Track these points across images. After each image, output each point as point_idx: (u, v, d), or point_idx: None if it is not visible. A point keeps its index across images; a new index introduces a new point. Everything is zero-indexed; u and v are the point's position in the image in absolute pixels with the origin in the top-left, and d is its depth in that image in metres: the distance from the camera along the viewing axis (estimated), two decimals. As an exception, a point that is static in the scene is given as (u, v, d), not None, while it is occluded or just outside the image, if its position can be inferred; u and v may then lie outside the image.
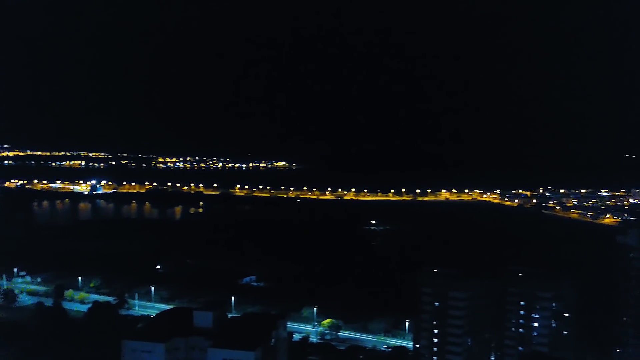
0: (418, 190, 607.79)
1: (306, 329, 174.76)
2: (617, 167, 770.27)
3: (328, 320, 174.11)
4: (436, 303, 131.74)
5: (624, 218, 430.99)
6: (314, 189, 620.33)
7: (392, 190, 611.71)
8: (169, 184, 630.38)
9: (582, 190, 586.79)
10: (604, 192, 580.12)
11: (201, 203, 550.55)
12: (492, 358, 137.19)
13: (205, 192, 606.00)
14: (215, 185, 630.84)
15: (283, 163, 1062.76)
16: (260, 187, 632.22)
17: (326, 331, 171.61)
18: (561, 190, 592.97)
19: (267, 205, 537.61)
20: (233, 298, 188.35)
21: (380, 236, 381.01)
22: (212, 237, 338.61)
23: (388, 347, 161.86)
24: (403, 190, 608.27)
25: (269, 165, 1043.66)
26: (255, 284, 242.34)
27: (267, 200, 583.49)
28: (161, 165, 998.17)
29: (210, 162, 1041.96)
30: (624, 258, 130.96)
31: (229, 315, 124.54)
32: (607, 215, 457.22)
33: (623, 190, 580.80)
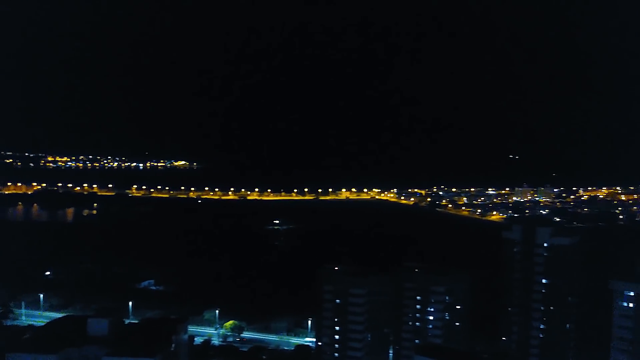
0: (320, 190, 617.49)
1: (208, 332, 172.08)
2: (502, 168, 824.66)
3: (230, 322, 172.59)
4: (337, 300, 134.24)
5: (508, 215, 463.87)
6: (216, 189, 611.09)
7: (295, 190, 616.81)
8: (60, 184, 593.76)
9: (471, 189, 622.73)
10: (491, 191, 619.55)
11: (95, 204, 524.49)
12: (390, 352, 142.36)
13: (99, 193, 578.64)
14: (110, 185, 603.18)
15: (183, 162, 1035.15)
16: (159, 187, 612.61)
17: (228, 333, 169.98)
18: (453, 189, 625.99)
19: (166, 206, 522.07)
20: (130, 303, 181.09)
21: (283, 235, 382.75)
22: (107, 240, 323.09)
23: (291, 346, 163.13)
24: (306, 189, 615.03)
25: (168, 165, 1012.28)
26: (154, 287, 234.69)
27: (166, 200, 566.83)
28: (51, 164, 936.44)
29: (105, 161, 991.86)
30: (509, 252, 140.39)
31: (126, 322, 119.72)
32: (494, 212, 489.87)
33: (508, 189, 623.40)
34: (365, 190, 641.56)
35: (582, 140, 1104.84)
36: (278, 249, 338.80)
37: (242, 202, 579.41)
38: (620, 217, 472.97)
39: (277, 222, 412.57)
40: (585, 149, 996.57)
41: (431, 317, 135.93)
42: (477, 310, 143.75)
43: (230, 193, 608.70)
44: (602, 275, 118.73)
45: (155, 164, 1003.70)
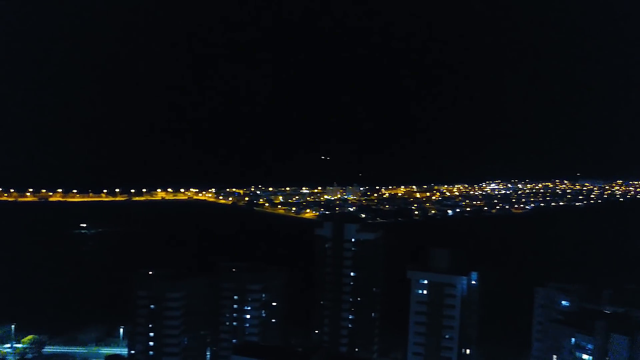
0: (133, 190, 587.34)
1: (3, 350, 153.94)
2: (316, 168, 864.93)
3: (29, 337, 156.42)
4: (152, 306, 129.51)
5: (321, 212, 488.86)
6: (12, 190, 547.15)
7: (105, 191, 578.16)
8: None
9: (287, 189, 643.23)
10: (305, 190, 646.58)
11: None
12: (208, 353, 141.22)
13: None
14: None
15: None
16: None
17: (27, 349, 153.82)
18: (270, 189, 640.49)
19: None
20: None
21: (91, 240, 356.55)
22: None
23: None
24: (117, 190, 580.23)
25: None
26: None
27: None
28: None
29: None
30: (321, 248, 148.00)
31: None
32: (308, 210, 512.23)
33: (320, 188, 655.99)
34: (182, 190, 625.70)
35: (386, 142, 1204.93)
36: (87, 254, 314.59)
37: (42, 204, 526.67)
38: (416, 212, 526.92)
39: (85, 225, 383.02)
40: (386, 151, 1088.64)
41: (248, 316, 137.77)
42: (293, 306, 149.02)
43: (28, 194, 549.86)
44: (402, 266, 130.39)
45: None
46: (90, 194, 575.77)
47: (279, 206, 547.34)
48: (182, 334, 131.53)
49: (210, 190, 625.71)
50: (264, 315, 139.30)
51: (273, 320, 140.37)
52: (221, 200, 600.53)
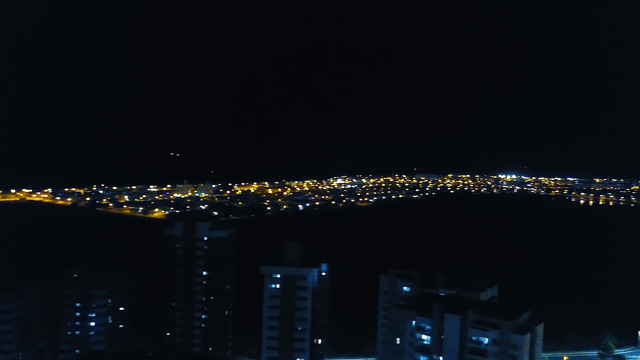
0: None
1: None
2: (162, 165, 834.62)
3: None
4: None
5: (170, 211, 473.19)
6: None
7: None
8: None
9: (133, 187, 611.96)
10: (153, 188, 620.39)
11: None
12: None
13: None
14: None
15: None
16: None
17: None
18: (114, 188, 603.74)
19: None
20: None
21: None
22: None
23: None
24: None
25: None
26: None
27: None
28: None
29: None
30: (172, 248, 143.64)
31: None
32: (156, 210, 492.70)
33: (169, 186, 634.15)
34: (12, 190, 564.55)
35: (239, 139, 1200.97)
36: None
37: None
38: (269, 208, 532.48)
39: None
40: (239, 148, 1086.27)
41: (93, 323, 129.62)
42: (143, 309, 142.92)
43: None
44: (256, 262, 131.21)
45: None
46: None
47: (125, 206, 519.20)
48: (17, 348, 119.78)
49: (45, 191, 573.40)
50: (110, 321, 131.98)
51: (121, 326, 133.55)
52: (58, 201, 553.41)
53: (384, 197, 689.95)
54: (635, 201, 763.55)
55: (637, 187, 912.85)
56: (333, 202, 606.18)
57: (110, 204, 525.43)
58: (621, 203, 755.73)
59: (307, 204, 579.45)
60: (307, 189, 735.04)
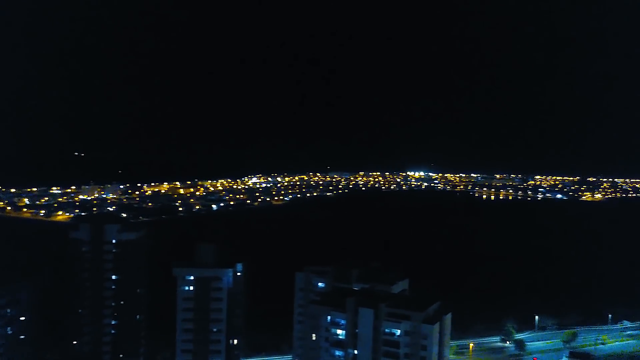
0: None
1: None
2: (65, 165, 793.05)
3: None
4: None
5: (75, 214, 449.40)
6: None
7: None
8: None
9: (33, 189, 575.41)
10: (55, 190, 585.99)
11: None
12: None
13: None
14: None
15: None
16: None
17: None
18: (12, 190, 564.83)
19: None
20: None
21: None
22: None
23: None
24: None
25: None
26: None
27: None
28: None
29: None
30: (78, 252, 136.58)
31: None
32: (60, 212, 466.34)
33: (74, 187, 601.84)
34: None
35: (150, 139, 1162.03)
36: None
37: None
38: (180, 209, 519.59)
39: None
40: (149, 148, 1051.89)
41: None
42: (46, 318, 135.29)
43: None
44: (168, 265, 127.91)
45: None
46: None
47: (25, 209, 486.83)
48: None
49: None
50: (10, 332, 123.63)
51: (22, 337, 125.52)
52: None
53: (299, 195, 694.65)
54: (531, 195, 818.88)
55: (533, 183, 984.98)
56: (248, 201, 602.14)
57: (8, 207, 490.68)
58: (519, 197, 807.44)
59: (222, 204, 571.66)
60: (221, 188, 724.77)
